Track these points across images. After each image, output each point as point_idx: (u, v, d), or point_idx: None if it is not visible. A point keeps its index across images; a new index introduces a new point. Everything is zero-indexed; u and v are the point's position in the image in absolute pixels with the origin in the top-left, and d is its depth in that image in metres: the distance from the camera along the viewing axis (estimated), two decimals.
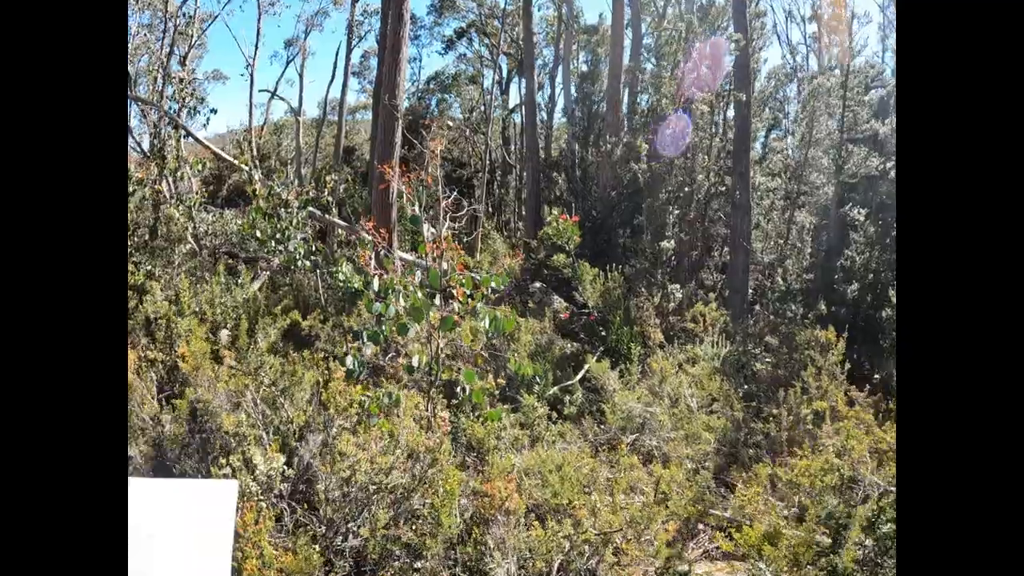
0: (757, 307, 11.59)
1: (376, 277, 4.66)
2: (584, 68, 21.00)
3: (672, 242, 12.04)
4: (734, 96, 12.68)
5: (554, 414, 6.62)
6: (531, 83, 17.56)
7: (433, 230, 5.00)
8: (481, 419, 5.30)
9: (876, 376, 8.20)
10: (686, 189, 12.71)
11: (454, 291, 4.80)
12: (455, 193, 5.56)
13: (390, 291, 4.59)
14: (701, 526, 5.26)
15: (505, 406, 6.32)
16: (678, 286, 11.11)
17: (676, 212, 12.54)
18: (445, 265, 4.92)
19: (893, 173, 11.49)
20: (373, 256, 5.23)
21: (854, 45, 16.14)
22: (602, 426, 6.67)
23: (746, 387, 8.00)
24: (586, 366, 7.62)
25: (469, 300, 4.94)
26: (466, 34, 24.44)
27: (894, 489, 4.32)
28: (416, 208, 5.05)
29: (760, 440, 6.61)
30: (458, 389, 5.00)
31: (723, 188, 13.34)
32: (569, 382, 7.25)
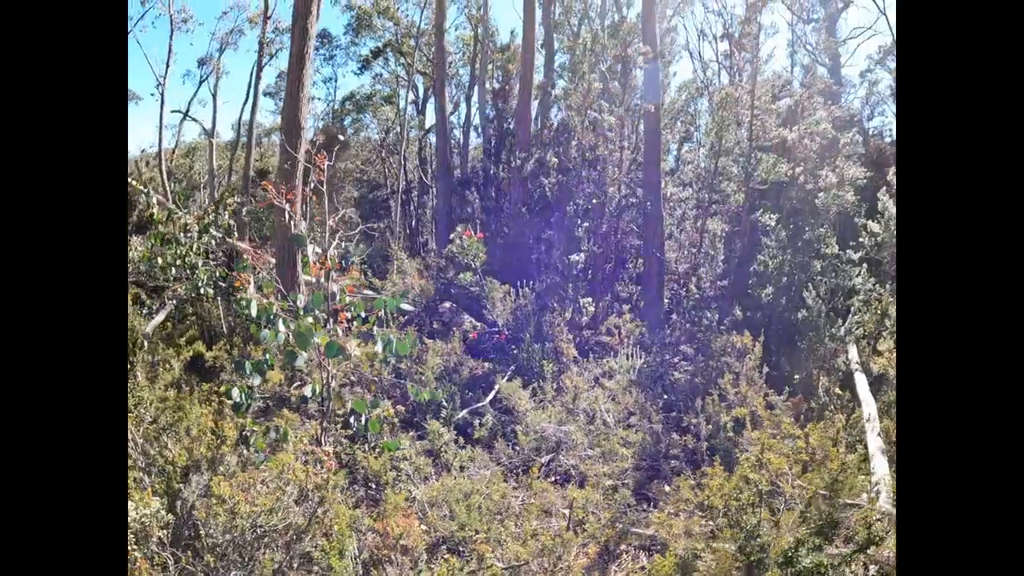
0: (674, 316, 11.55)
1: (253, 302, 4.27)
2: (497, 86, 20.91)
3: (583, 255, 11.94)
4: (643, 108, 12.74)
5: (463, 439, 6.31)
6: (442, 101, 17.37)
7: (319, 250, 4.66)
8: (377, 450, 4.95)
9: (796, 376, 8.17)
10: (594, 201, 12.64)
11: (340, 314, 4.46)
12: (347, 211, 5.25)
13: (269, 316, 4.21)
14: (624, 547, 5.04)
15: (411, 433, 5.99)
16: (590, 299, 11.00)
17: (586, 225, 12.45)
18: (334, 287, 4.58)
19: (802, 178, 11.68)
20: (251, 280, 4.83)
21: (761, 55, 16.49)
22: (515, 448, 6.40)
23: (665, 398, 7.87)
24: (496, 387, 7.34)
25: (364, 323, 4.64)
26: (382, 54, 24.05)
27: (817, 494, 4.18)
28: (302, 227, 4.72)
29: (679, 453, 6.47)
30: (351, 419, 4.65)
31: (634, 200, 13.33)
32: (479, 404, 6.95)
